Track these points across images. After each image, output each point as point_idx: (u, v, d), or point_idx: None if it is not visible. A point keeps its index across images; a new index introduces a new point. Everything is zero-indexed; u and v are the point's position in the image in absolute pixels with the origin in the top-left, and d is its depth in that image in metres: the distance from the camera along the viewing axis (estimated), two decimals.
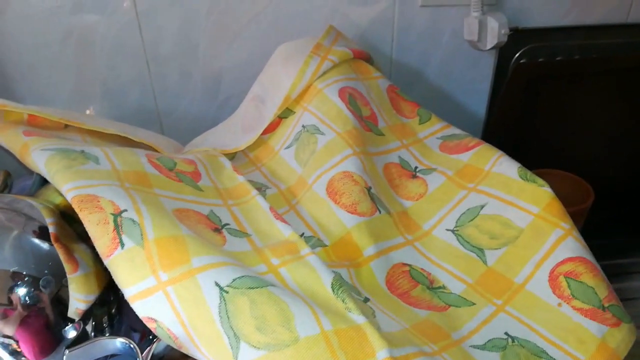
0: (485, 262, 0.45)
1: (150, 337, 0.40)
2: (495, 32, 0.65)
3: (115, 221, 0.37)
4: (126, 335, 0.42)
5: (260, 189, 0.52)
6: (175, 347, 0.36)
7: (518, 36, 0.67)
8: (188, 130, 0.69)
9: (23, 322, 0.37)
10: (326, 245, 0.45)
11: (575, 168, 0.62)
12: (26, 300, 0.37)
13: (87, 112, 0.69)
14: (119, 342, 0.38)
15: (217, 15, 0.65)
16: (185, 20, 0.65)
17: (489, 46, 0.66)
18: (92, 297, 0.39)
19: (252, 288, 0.35)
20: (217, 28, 0.66)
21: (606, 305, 0.40)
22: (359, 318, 0.35)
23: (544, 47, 0.66)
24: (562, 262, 0.42)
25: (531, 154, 0.61)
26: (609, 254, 0.62)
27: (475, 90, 0.74)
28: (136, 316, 0.36)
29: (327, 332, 0.34)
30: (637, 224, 0.68)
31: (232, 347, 0.33)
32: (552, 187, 0.47)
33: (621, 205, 0.68)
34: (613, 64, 0.67)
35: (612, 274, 0.58)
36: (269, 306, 0.34)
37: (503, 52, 0.69)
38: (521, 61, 0.66)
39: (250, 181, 0.51)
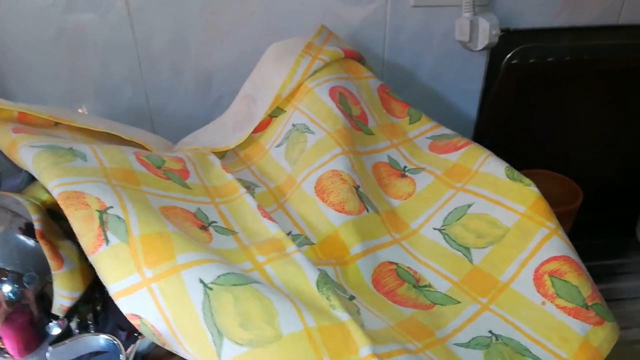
0: (471, 261, 0.45)
1: (136, 334, 0.40)
2: (486, 32, 0.65)
3: (100, 218, 0.37)
4: (113, 333, 0.42)
5: (249, 187, 0.52)
6: (159, 343, 0.36)
7: (509, 37, 0.67)
8: (179, 129, 0.69)
9: (7, 319, 0.37)
10: (313, 244, 0.46)
11: (564, 169, 0.62)
12: (10, 297, 0.37)
13: (80, 111, 0.70)
14: (102, 339, 0.38)
15: (209, 14, 0.65)
16: (177, 18, 0.65)
17: (480, 47, 0.66)
18: (76, 294, 0.39)
19: (237, 285, 0.35)
20: (209, 26, 0.66)
21: (590, 304, 0.40)
22: (342, 315, 0.35)
23: (535, 48, 0.67)
24: (547, 261, 0.42)
25: (521, 155, 0.61)
26: (597, 255, 0.63)
27: (467, 91, 0.75)
28: (123, 314, 0.36)
29: (311, 329, 0.34)
30: (625, 224, 0.68)
31: (215, 344, 0.33)
32: (541, 187, 0.47)
33: (610, 206, 0.68)
34: (604, 65, 0.67)
35: (600, 274, 0.59)
36: (253, 303, 0.35)
37: (494, 52, 0.69)
38: (512, 62, 0.66)
39: (239, 179, 0.51)
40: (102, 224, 0.37)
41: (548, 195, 0.47)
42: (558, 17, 0.70)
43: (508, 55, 0.66)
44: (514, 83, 0.66)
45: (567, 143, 0.70)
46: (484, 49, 0.67)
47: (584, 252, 0.45)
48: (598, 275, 0.45)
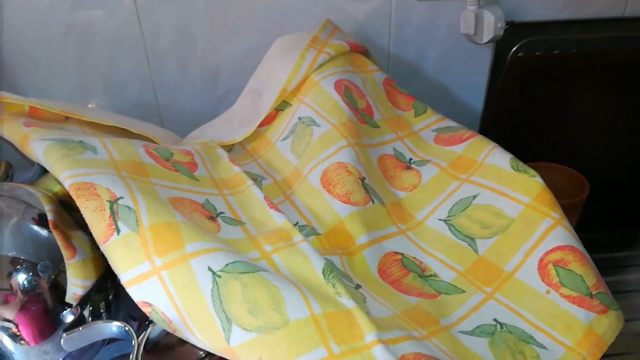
0: (476, 251, 0.46)
1: (147, 322, 0.41)
2: (491, 25, 0.65)
3: (111, 208, 0.38)
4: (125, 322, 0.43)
5: (256, 179, 0.53)
6: (169, 330, 0.37)
7: (515, 30, 0.67)
8: (187, 124, 0.70)
9: (22, 307, 0.38)
10: (320, 234, 0.46)
11: (571, 161, 0.62)
12: (25, 286, 0.38)
13: (90, 106, 0.70)
14: (114, 326, 0.39)
15: (215, 9, 0.66)
16: (184, 14, 0.66)
17: (485, 40, 0.66)
18: (89, 283, 0.40)
19: (244, 273, 0.36)
20: (215, 22, 0.67)
21: (594, 292, 0.40)
22: (348, 302, 0.36)
23: (541, 40, 0.67)
24: (552, 251, 0.42)
25: (527, 147, 0.61)
26: (604, 247, 0.63)
27: (472, 84, 0.75)
28: (134, 304, 0.37)
29: (317, 316, 0.34)
30: (632, 217, 0.68)
31: (224, 330, 0.34)
32: (548, 179, 0.47)
33: (616, 199, 0.68)
34: (610, 57, 0.67)
35: (607, 267, 0.59)
36: (261, 290, 0.35)
37: (500, 45, 0.69)
38: (518, 55, 0.66)
39: (246, 172, 0.51)
40: (113, 214, 0.38)
41: (555, 187, 0.47)
42: (563, 10, 0.70)
43: (513, 49, 0.66)
44: (520, 76, 0.66)
45: (573, 136, 0.70)
46: (489, 42, 0.67)
47: (591, 244, 0.45)
48: (605, 267, 0.45)
